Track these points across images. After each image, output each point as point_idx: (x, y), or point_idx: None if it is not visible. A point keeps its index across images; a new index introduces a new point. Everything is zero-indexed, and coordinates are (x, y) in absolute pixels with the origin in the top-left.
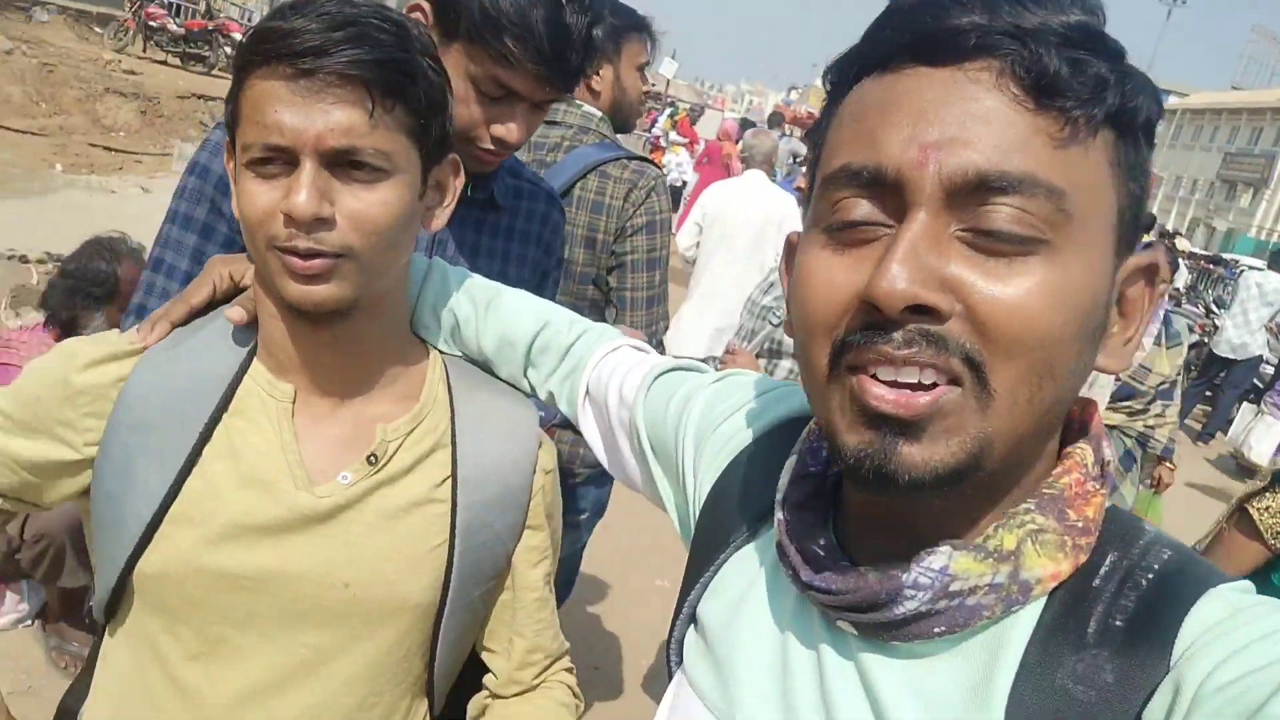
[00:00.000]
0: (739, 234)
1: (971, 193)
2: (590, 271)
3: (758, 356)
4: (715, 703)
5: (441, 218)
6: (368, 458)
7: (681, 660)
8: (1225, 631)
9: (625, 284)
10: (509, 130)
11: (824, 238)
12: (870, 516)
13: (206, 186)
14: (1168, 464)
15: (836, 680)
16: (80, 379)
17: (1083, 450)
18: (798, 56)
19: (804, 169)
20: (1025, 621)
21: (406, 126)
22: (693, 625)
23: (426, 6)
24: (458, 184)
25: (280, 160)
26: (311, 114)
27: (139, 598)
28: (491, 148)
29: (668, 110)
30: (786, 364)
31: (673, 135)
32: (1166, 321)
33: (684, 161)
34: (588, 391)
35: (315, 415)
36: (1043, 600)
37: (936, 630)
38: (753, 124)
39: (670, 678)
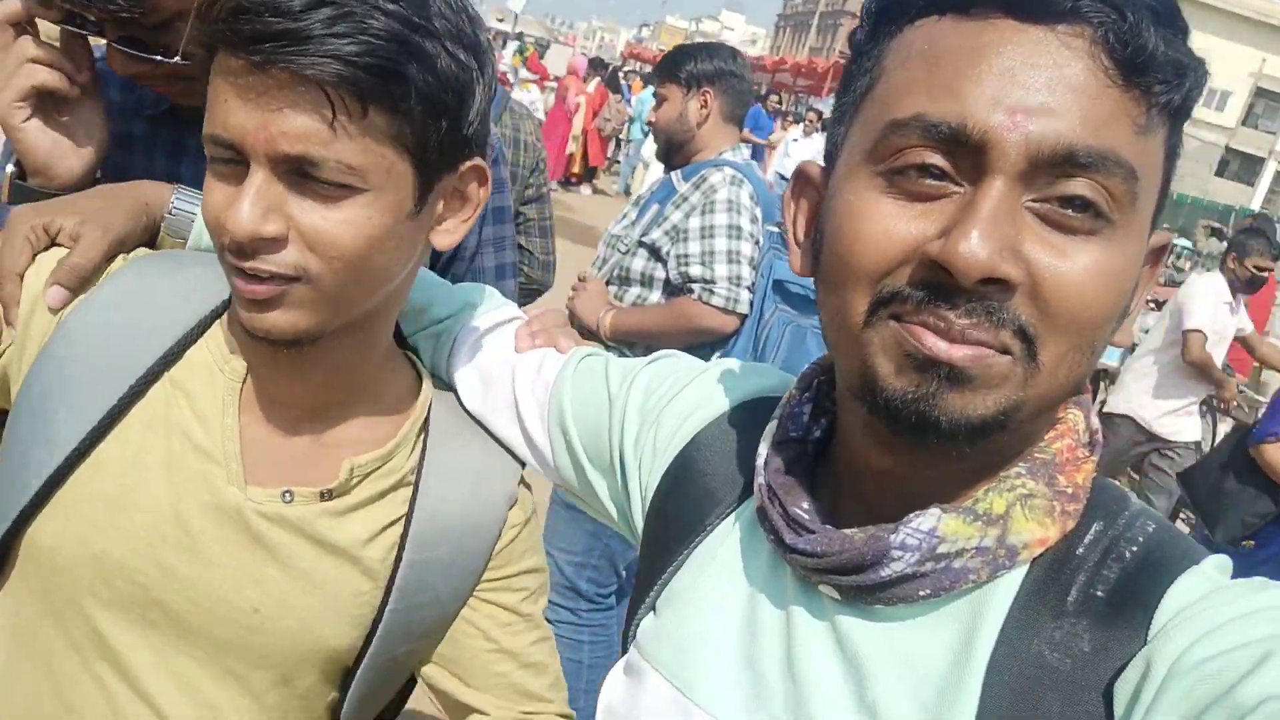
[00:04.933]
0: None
1: (1053, 165)
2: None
3: (607, 284)
4: (669, 664)
5: (457, 233)
6: (321, 492)
7: (636, 637)
8: (1202, 609)
9: (545, 214)
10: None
11: (881, 181)
12: (860, 480)
13: None
14: None
15: (809, 643)
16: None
17: (1075, 415)
18: None
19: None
20: (1008, 586)
21: (389, 134)
22: (653, 610)
23: None
24: (483, 194)
25: (235, 160)
26: (263, 113)
27: (21, 572)
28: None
29: (515, 45)
30: (634, 291)
31: (522, 72)
32: None
33: (535, 99)
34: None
35: (267, 410)
36: (1027, 566)
37: (922, 593)
38: (604, 62)
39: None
